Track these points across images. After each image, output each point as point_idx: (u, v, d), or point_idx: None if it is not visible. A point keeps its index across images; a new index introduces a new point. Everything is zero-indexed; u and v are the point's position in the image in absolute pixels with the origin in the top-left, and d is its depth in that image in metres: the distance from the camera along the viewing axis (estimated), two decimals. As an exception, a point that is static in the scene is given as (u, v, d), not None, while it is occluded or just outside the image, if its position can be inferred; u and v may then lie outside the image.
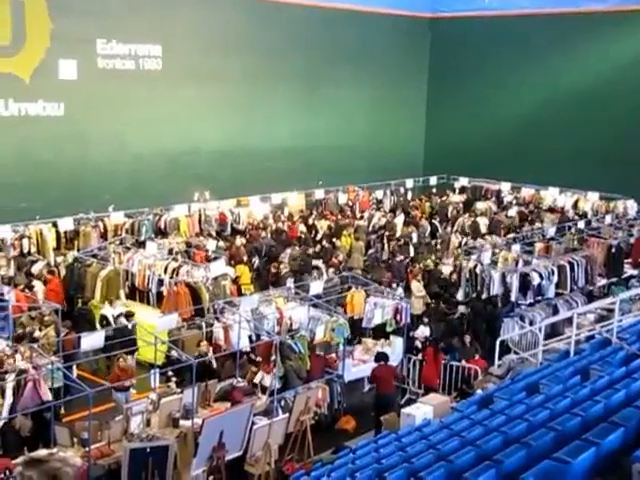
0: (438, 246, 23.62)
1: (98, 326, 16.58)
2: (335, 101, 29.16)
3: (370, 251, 22.81)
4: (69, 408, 13.15)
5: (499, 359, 14.66)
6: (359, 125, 29.98)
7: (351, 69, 29.39)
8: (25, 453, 11.01)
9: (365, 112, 30.30)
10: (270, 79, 27.12)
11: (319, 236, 23.90)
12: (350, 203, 28.14)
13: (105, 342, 13.90)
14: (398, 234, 24.44)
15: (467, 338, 16.15)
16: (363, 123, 30.18)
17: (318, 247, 22.63)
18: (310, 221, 25.04)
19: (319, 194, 27.63)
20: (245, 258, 20.49)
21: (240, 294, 18.24)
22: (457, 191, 30.55)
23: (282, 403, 13.65)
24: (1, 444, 11.72)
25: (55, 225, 21.01)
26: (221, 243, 21.80)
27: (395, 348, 16.11)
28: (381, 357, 14.52)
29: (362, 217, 26.51)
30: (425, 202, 28.66)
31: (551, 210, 27.35)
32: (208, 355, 14.19)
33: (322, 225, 24.66)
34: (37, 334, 14.71)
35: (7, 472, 10.51)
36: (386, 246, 23.24)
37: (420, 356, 15.78)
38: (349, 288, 17.48)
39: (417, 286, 19.00)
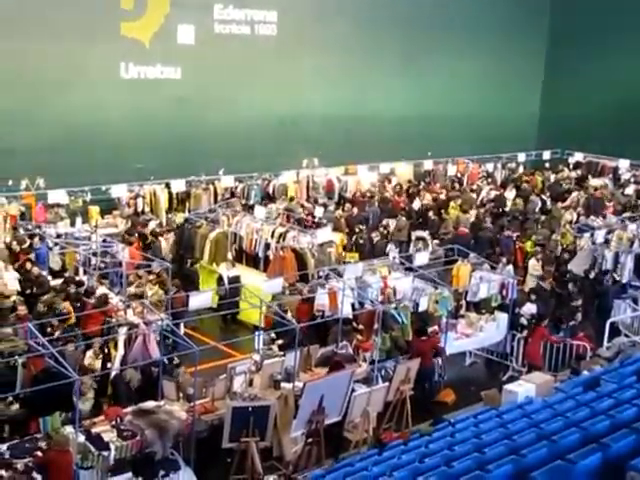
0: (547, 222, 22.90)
1: (202, 286, 17.07)
2: (448, 70, 28.51)
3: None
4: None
5: (608, 341, 14.20)
6: (471, 95, 29.24)
7: (465, 36, 28.58)
8: (135, 404, 11.52)
9: (478, 82, 29.51)
10: (383, 46, 26.76)
11: (416, 207, 23.65)
12: (459, 175, 27.69)
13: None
14: (507, 208, 23.91)
15: (578, 317, 15.65)
16: (476, 93, 29.42)
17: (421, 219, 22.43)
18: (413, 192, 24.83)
19: (428, 165, 27.29)
20: (345, 227, 20.54)
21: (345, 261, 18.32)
22: (571, 166, 29.52)
23: (382, 372, 13.69)
24: (113, 394, 12.21)
25: (168, 186, 21.61)
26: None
27: (499, 324, 15.82)
28: (421, 331, 14.25)
29: (471, 190, 26.04)
30: (537, 177, 27.83)
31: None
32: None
33: (425, 197, 24.39)
34: (146, 291, 15.17)
35: (118, 420, 11.02)
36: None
37: (525, 333, 15.45)
38: (455, 261, 17.26)
39: (533, 264, 18.50)
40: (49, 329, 12.73)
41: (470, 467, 8.21)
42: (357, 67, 26.42)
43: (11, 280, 15.28)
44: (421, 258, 16.84)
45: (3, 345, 12.23)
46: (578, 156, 29.61)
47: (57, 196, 19.65)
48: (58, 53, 20.11)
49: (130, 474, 10.52)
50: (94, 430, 10.72)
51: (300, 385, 11.95)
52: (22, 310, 13.61)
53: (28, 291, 15.16)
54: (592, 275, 18.22)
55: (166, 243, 18.72)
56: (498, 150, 28.78)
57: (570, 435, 8.52)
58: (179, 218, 20.38)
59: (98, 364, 12.37)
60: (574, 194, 25.14)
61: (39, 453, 10.14)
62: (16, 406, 11.11)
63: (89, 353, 12.17)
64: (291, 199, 22.66)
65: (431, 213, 22.75)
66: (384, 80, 27.07)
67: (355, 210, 22.18)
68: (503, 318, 15.86)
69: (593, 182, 26.72)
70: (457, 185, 26.52)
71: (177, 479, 10.94)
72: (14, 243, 16.96)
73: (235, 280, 16.52)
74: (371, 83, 26.75)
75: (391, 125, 26.48)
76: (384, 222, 21.43)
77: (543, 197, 25.13)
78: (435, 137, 27.40)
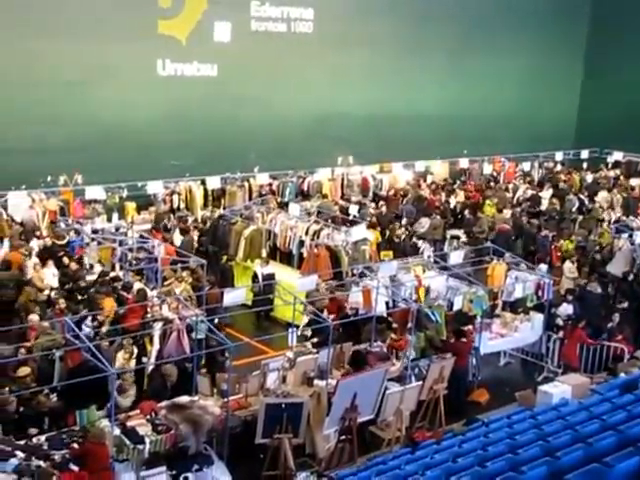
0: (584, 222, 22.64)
1: (236, 283, 17.15)
2: (484, 69, 28.30)
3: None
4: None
5: (647, 344, 14.00)
6: (510, 94, 29.01)
7: (505, 35, 28.38)
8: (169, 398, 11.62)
9: (517, 80, 29.26)
10: (418, 45, 26.66)
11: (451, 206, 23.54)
12: (495, 174, 27.49)
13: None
14: (544, 208, 23.67)
15: (615, 318, 15.44)
16: (512, 92, 29.18)
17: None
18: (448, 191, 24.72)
19: (463, 163, 27.13)
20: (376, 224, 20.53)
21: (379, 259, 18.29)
22: (610, 165, 29.13)
23: (416, 371, 13.65)
24: (148, 388, 12.33)
25: (204, 183, 21.76)
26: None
27: (535, 324, 15.67)
28: (459, 332, 14.13)
29: (506, 189, 25.83)
30: (575, 176, 27.51)
31: None
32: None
33: (460, 195, 24.26)
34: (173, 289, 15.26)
35: (153, 414, 11.13)
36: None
37: (561, 334, 15.29)
38: (490, 260, 17.14)
39: (569, 267, 18.28)
40: (94, 324, 12.89)
41: (503, 468, 8.15)
42: (394, 65, 26.33)
43: (49, 275, 15.52)
44: (456, 257, 16.74)
45: (41, 339, 12.44)
46: (617, 155, 29.20)
47: (94, 192, 19.93)
48: (97, 51, 20.30)
49: (164, 468, 10.61)
50: (129, 424, 10.84)
51: (333, 383, 11.96)
52: (61, 304, 13.79)
53: (67, 286, 15.37)
54: (631, 277, 17.96)
55: (189, 238, 18.81)
56: (535, 149, 28.52)
57: (606, 438, 8.42)
58: (214, 214, 20.49)
59: (132, 364, 12.45)
60: (604, 194, 24.75)
61: (76, 445, 10.28)
62: (54, 399, 11.28)
63: (120, 354, 12.26)
64: (325, 196, 22.68)
65: (466, 212, 22.63)
66: (421, 78, 26.98)
67: (384, 209, 22.12)
68: (538, 318, 15.71)
69: (633, 182, 26.32)
70: (492, 184, 26.33)
71: (210, 474, 11.01)
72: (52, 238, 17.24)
73: (269, 277, 16.58)
74: (408, 81, 26.67)
75: (427, 123, 26.36)
76: (404, 221, 21.28)
77: (581, 196, 24.84)
78: (472, 135, 27.22)
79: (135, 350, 12.58)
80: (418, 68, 26.87)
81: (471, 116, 27.50)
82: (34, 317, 13.02)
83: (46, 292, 14.99)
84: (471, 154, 27.33)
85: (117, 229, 18.54)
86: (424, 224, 21.44)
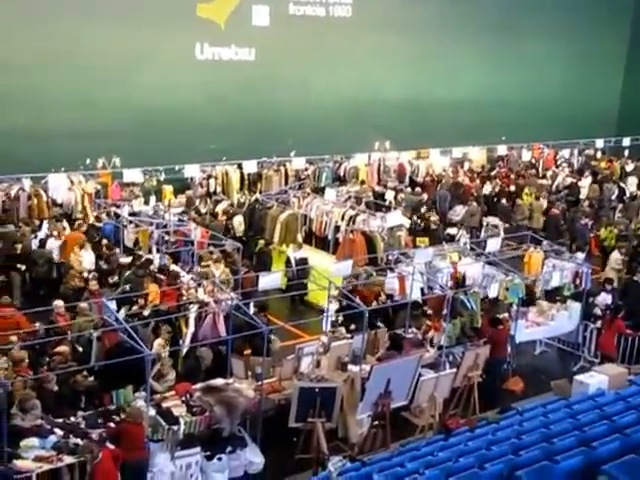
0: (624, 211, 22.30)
1: (273, 267, 17.19)
2: (524, 54, 27.88)
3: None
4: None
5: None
6: (549, 79, 28.57)
7: (548, 20, 27.95)
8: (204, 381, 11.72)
9: (556, 65, 28.80)
10: (457, 30, 26.34)
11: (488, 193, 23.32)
12: (533, 161, 27.14)
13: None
14: (582, 196, 23.35)
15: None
16: (553, 77, 28.75)
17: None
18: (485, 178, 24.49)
19: (501, 150, 26.82)
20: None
21: (415, 246, 18.21)
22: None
23: (450, 358, 13.59)
24: (184, 370, 12.44)
25: (240, 167, 21.81)
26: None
27: (572, 313, 15.50)
28: (496, 320, 13.98)
29: (544, 176, 25.51)
30: (615, 163, 27.05)
31: None
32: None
33: (496, 182, 24.04)
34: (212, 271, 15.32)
35: (188, 396, 11.24)
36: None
37: (599, 324, 15.10)
38: (527, 248, 16.97)
39: (616, 258, 17.99)
40: (135, 307, 13.02)
41: (538, 457, 8.08)
42: (433, 49, 26.12)
43: (87, 258, 15.69)
44: (493, 244, 16.60)
45: (79, 319, 12.61)
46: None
47: (132, 175, 20.07)
48: (136, 35, 20.41)
49: (198, 449, 10.72)
50: (165, 405, 10.96)
51: (367, 368, 11.96)
52: (94, 286, 13.96)
53: (105, 266, 15.58)
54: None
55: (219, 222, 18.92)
56: (575, 136, 28.07)
57: (644, 429, 8.31)
58: (250, 199, 20.55)
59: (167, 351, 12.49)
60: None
61: (113, 424, 10.43)
62: (91, 378, 11.44)
63: (158, 341, 12.35)
64: (362, 182, 22.61)
65: (504, 199, 22.43)
66: (461, 63, 26.69)
67: (425, 195, 22.01)
68: (576, 307, 15.52)
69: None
70: (533, 171, 25.99)
71: (244, 456, 11.10)
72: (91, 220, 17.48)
73: (302, 262, 16.60)
74: (447, 66, 26.42)
75: (466, 109, 26.09)
76: (423, 209, 21.10)
77: (622, 185, 24.44)
78: (511, 121, 26.88)
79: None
80: (458, 52, 26.55)
81: (510, 102, 27.18)
82: (59, 302, 13.02)
83: (85, 274, 15.17)
84: (510, 140, 27.00)
85: (154, 212, 18.67)
86: (459, 212, 21.30)
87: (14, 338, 11.54)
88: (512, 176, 24.89)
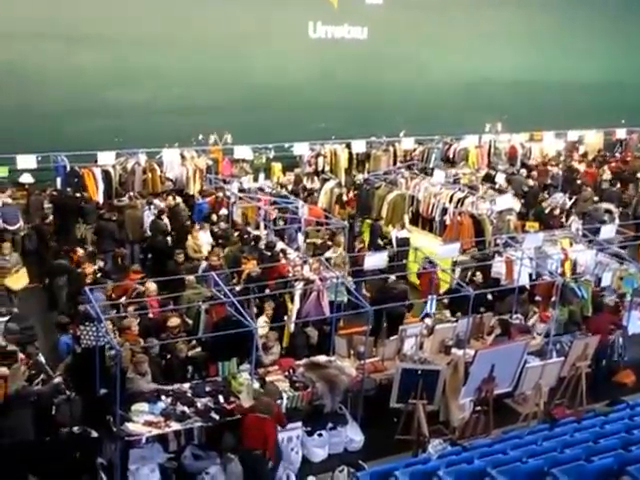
0: None
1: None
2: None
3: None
4: (349, 322, 13.68)
5: None
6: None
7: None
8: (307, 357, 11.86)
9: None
10: (578, 7, 25.40)
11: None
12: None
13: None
14: None
15: None
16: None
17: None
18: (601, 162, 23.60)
19: (620, 133, 25.75)
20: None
21: (524, 230, 17.80)
22: None
23: (557, 346, 13.22)
24: (291, 346, 12.62)
25: (349, 146, 21.81)
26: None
27: (691, 306, 14.78)
28: (599, 306, 13.35)
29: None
30: None
31: None
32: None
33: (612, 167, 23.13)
34: (328, 254, 15.32)
35: (291, 371, 11.41)
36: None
37: None
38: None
39: None
40: (234, 280, 13.28)
41: (649, 453, 7.80)
42: (550, 28, 25.24)
43: (205, 239, 15.99)
44: (607, 231, 16.01)
45: (188, 291, 12.97)
46: None
47: (242, 152, 20.40)
48: (250, 14, 20.66)
49: (300, 423, 10.88)
50: (268, 379, 11.15)
51: (471, 352, 11.80)
52: (214, 261, 14.20)
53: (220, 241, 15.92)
54: None
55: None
56: None
57: None
58: (359, 178, 20.53)
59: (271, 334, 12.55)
60: None
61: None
62: (198, 349, 11.76)
63: (261, 318, 12.55)
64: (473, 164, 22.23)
65: (619, 184, 21.60)
66: (578, 43, 25.72)
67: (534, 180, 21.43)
68: (696, 300, 14.80)
69: None
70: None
71: (344, 433, 11.21)
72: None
73: (404, 242, 16.44)
74: (565, 45, 25.49)
75: (583, 90, 25.13)
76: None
77: None
78: (632, 103, 25.69)
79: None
80: (576, 32, 25.60)
81: (633, 84, 25.99)
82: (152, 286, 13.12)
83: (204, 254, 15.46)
84: (630, 124, 25.86)
85: (262, 189, 18.94)
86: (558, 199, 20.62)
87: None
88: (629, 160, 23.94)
